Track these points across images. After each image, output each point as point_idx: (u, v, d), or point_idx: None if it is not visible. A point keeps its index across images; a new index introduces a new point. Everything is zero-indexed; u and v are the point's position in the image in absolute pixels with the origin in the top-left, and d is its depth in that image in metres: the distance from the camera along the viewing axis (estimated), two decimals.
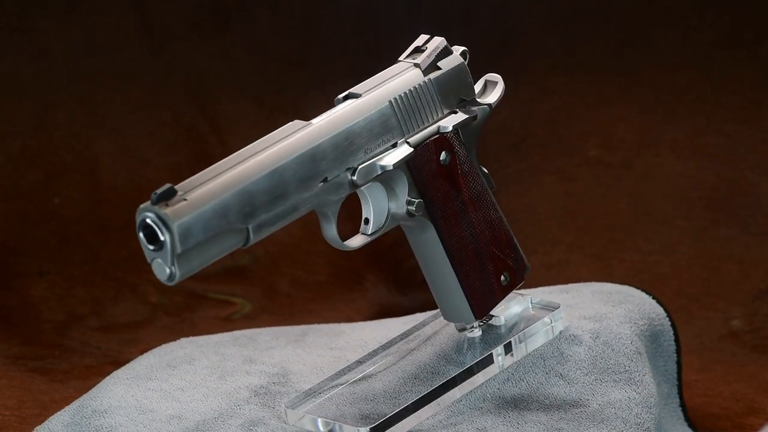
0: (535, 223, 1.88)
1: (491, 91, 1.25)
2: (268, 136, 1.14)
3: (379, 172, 1.17)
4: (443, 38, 1.21)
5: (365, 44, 2.04)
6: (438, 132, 1.20)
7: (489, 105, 1.23)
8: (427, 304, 1.80)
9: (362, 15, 2.10)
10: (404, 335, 1.29)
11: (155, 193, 1.06)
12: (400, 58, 1.22)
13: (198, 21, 2.08)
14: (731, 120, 1.91)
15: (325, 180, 1.14)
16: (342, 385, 1.23)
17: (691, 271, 1.78)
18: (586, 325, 1.25)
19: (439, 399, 1.20)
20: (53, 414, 1.47)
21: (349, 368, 1.25)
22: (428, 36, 1.21)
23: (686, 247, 1.80)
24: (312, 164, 1.13)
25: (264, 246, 1.91)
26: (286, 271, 1.89)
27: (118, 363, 1.66)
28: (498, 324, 1.25)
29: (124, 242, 1.90)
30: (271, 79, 2.00)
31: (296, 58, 2.05)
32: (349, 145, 1.15)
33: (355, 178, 1.16)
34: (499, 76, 1.25)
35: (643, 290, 1.35)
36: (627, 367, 1.23)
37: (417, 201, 1.19)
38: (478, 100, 1.23)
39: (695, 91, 1.94)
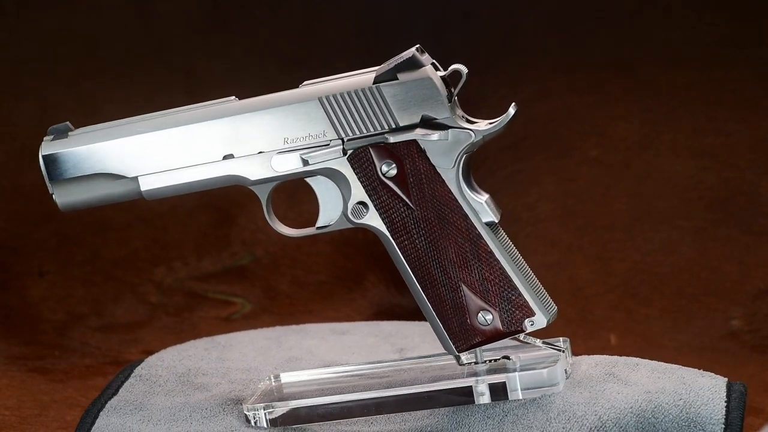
0: (535, 223, 1.88)
1: (504, 118, 1.18)
2: (199, 104, 1.22)
3: (302, 166, 1.18)
4: (413, 50, 1.17)
5: (365, 44, 2.04)
6: (382, 142, 1.18)
7: (470, 131, 1.17)
8: None
9: (362, 15, 2.09)
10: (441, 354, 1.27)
11: (51, 127, 1.22)
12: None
13: (198, 21, 2.08)
14: (731, 120, 1.91)
15: (228, 157, 1.19)
16: (332, 376, 1.24)
17: (691, 271, 1.78)
18: (576, 398, 1.18)
19: (357, 408, 1.19)
20: (53, 414, 1.47)
21: (359, 365, 1.26)
22: (417, 46, 1.19)
23: (686, 247, 1.80)
24: (211, 135, 1.19)
25: (264, 246, 1.91)
26: (286, 271, 1.89)
27: (119, 363, 1.66)
28: (510, 367, 1.19)
29: (124, 242, 1.90)
30: (271, 79, 2.00)
31: (296, 58, 2.05)
32: (261, 128, 1.18)
33: (272, 163, 1.18)
34: (512, 108, 1.18)
35: (730, 394, 1.21)
36: None
37: (358, 207, 1.18)
38: (461, 122, 1.18)
39: (695, 91, 1.94)
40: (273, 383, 1.26)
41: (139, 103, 1.98)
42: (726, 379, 1.21)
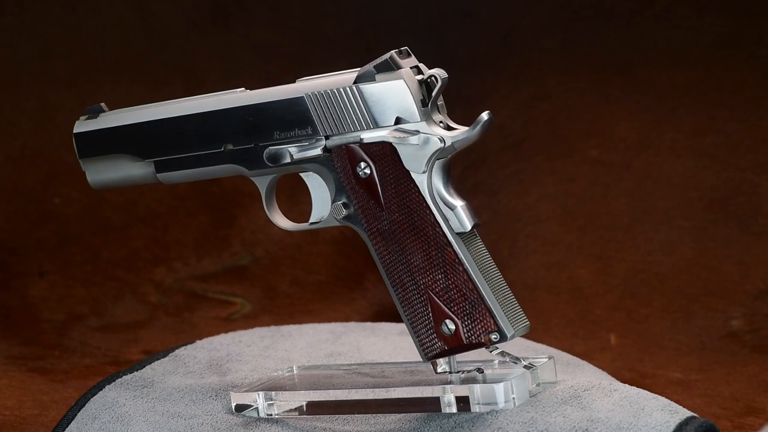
0: (535, 223, 1.88)
1: (474, 126, 1.16)
2: (212, 93, 1.24)
3: (288, 160, 1.19)
4: (392, 52, 1.17)
5: (365, 44, 2.05)
6: (358, 142, 1.18)
7: (440, 137, 1.16)
8: None
9: (362, 15, 2.10)
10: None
11: (88, 107, 1.29)
12: None
13: (198, 21, 2.08)
14: (731, 120, 1.91)
15: (228, 147, 1.21)
16: (338, 373, 1.25)
17: (691, 271, 1.78)
18: (519, 418, 1.15)
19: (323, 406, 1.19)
20: (53, 414, 1.47)
21: (356, 365, 1.27)
22: (404, 48, 1.19)
23: (686, 247, 1.81)
24: (212, 126, 1.22)
25: (264, 246, 1.91)
26: (286, 271, 1.89)
27: (119, 363, 1.66)
28: (479, 379, 1.17)
29: (124, 242, 1.90)
30: (271, 78, 2.00)
31: (296, 58, 2.05)
32: (255, 121, 1.20)
33: (265, 157, 1.20)
34: (484, 116, 1.16)
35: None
36: None
37: (340, 205, 1.19)
38: (435, 127, 1.16)
39: (695, 91, 1.95)
40: (285, 374, 1.26)
41: (139, 103, 1.98)
42: (686, 416, 1.14)
